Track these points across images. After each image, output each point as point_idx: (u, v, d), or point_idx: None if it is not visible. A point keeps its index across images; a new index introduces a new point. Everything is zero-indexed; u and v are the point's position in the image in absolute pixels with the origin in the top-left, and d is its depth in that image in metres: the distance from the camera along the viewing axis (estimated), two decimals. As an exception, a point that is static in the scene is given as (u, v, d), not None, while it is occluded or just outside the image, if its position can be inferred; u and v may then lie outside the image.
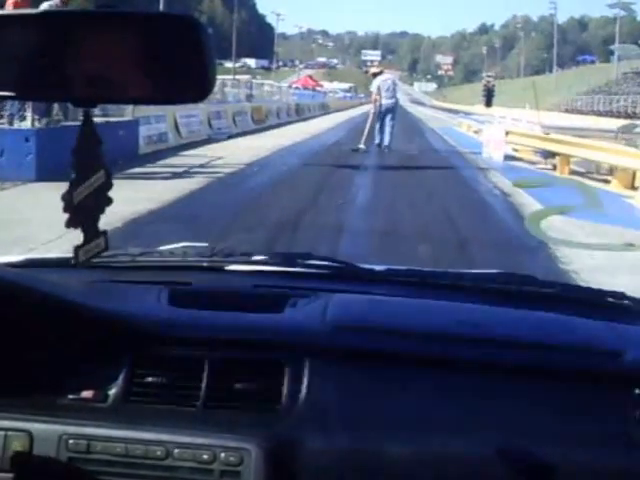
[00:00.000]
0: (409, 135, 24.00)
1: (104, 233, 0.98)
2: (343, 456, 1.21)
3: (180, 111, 17.52)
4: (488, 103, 46.82)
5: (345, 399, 1.28)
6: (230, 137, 19.65)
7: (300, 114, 36.24)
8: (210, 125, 20.19)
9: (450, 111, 63.55)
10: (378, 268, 1.79)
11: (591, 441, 1.24)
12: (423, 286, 1.71)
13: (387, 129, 17.90)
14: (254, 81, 36.96)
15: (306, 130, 24.73)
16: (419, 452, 1.22)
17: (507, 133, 16.88)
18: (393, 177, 12.40)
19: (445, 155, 17.57)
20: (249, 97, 29.78)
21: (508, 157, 16.48)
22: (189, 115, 18.38)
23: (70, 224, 0.94)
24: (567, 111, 60.09)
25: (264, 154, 15.23)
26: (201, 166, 12.55)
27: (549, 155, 15.86)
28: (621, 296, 1.68)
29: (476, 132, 25.19)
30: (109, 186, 0.97)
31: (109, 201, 0.97)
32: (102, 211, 0.97)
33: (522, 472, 1.23)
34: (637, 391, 1.28)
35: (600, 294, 1.72)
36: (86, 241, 0.96)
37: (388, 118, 18.05)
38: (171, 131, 16.70)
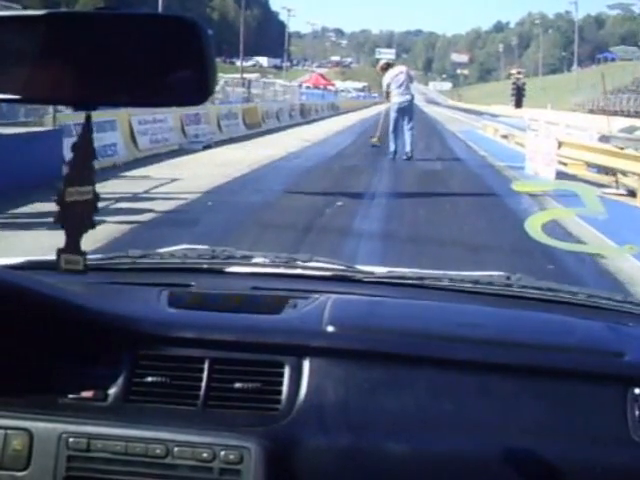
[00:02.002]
0: (428, 141, 20.22)
1: (84, 254, 0.98)
2: (342, 455, 1.22)
3: (140, 115, 13.80)
4: (518, 103, 42.36)
5: (344, 399, 1.27)
6: (208, 147, 15.87)
7: (305, 115, 32.65)
8: (184, 132, 16.42)
9: (469, 112, 59.96)
10: (378, 270, 1.77)
11: (591, 441, 1.24)
12: (423, 288, 1.69)
13: (406, 133, 14.37)
14: (264, 80, 35.37)
15: (307, 136, 20.97)
16: (418, 451, 1.22)
17: (560, 145, 12.94)
18: (411, 218, 8.27)
19: (477, 171, 13.60)
20: (247, 97, 26.85)
21: (559, 174, 12.52)
22: (154, 120, 14.62)
23: (57, 220, 0.95)
24: (592, 111, 57.36)
25: (239, 172, 11.48)
26: (132, 198, 8.60)
27: (609, 172, 12.30)
28: (621, 299, 1.70)
29: (505, 137, 21.88)
30: (95, 209, 0.98)
31: (93, 225, 0.98)
32: (85, 231, 0.98)
33: (522, 472, 1.23)
34: (637, 391, 1.28)
35: (600, 296, 1.72)
36: (67, 248, 0.97)
37: (404, 119, 14.44)
38: (123, 141, 12.91)
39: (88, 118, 0.93)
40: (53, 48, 0.82)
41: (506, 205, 9.14)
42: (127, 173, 11.06)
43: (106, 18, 0.84)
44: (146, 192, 9.12)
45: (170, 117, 15.54)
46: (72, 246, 0.97)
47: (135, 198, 8.62)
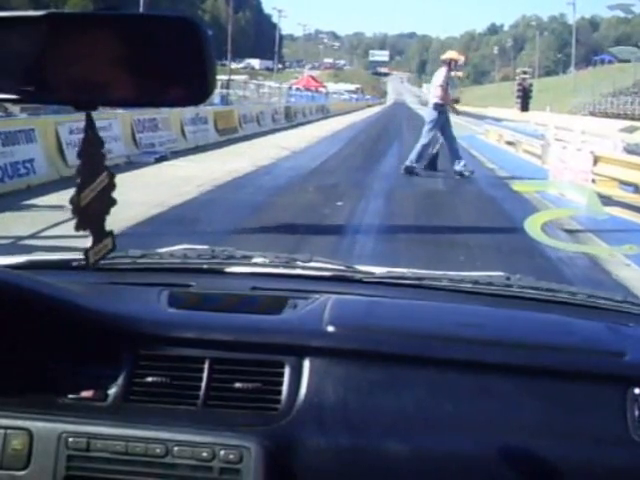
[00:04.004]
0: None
1: (111, 233, 1.01)
2: (342, 455, 1.22)
3: (73, 122, 11.06)
4: (524, 106, 39.52)
5: (344, 399, 1.27)
6: (163, 158, 13.24)
7: (291, 119, 30.08)
8: (135, 141, 13.77)
9: (466, 114, 57.39)
10: (377, 270, 1.75)
11: (590, 440, 1.23)
12: (422, 288, 1.68)
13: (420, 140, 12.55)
14: (254, 82, 33.59)
15: (288, 142, 18.38)
16: (417, 451, 1.22)
17: (596, 160, 10.33)
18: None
19: (490, 192, 10.92)
20: (225, 99, 24.71)
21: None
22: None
23: (79, 227, 0.97)
24: (592, 114, 55.39)
25: (181, 198, 8.86)
26: (6, 247, 5.90)
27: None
28: (621, 299, 1.68)
29: (510, 144, 19.51)
30: (112, 187, 1.00)
31: (113, 202, 1.00)
32: (107, 212, 1.00)
33: (521, 471, 1.22)
34: (636, 391, 1.27)
35: (600, 296, 1.70)
36: (95, 243, 0.99)
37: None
38: (45, 156, 10.19)
39: (89, 118, 0.94)
40: (53, 48, 0.83)
41: (549, 258, 6.29)
42: (36, 200, 8.41)
43: (106, 18, 0.84)
44: (32, 236, 6.41)
45: (116, 123, 12.87)
46: (98, 236, 0.99)
47: (10, 247, 5.87)
